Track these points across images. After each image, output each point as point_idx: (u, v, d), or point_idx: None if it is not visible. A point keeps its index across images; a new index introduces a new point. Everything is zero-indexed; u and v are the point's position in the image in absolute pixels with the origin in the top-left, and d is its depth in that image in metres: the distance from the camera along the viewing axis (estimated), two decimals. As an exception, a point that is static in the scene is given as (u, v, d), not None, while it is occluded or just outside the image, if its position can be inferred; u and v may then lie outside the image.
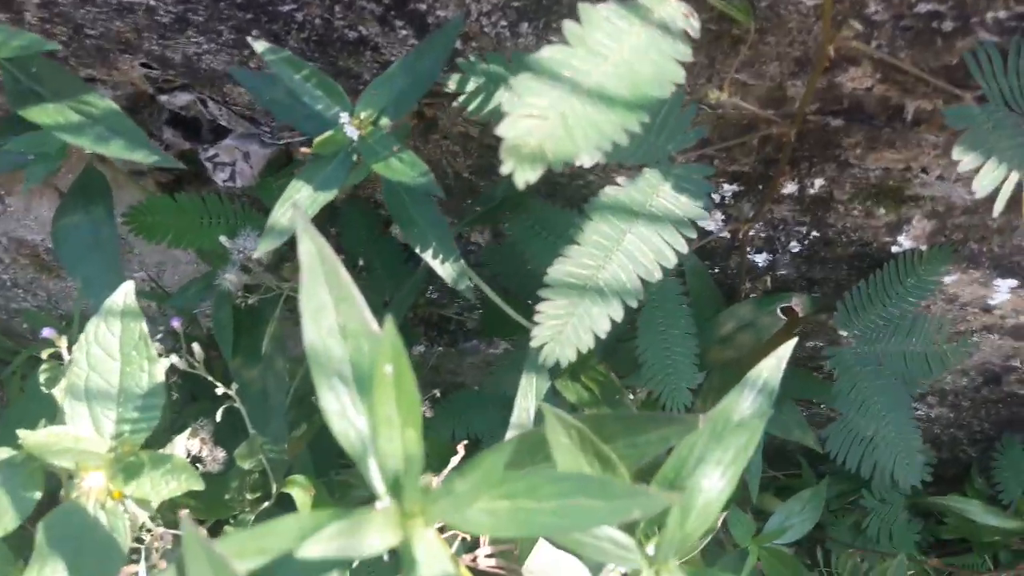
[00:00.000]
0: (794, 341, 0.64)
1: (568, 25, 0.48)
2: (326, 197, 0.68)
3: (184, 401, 1.21)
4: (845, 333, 0.90)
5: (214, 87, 0.87)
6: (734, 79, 0.70)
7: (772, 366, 0.63)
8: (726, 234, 0.90)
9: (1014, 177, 0.58)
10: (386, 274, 1.10)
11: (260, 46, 0.64)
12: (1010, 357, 1.03)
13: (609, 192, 0.65)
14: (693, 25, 0.51)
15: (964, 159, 0.59)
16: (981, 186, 0.59)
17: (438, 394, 1.20)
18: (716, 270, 0.98)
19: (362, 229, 1.05)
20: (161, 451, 0.87)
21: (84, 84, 0.77)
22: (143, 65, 0.86)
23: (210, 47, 0.80)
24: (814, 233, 0.87)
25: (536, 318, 0.64)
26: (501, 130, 0.44)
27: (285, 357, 1.06)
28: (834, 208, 0.83)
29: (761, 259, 0.94)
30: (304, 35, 0.76)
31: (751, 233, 0.89)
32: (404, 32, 0.73)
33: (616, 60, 0.49)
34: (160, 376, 0.78)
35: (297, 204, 0.68)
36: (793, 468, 1.36)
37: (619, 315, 0.65)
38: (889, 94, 0.68)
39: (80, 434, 0.72)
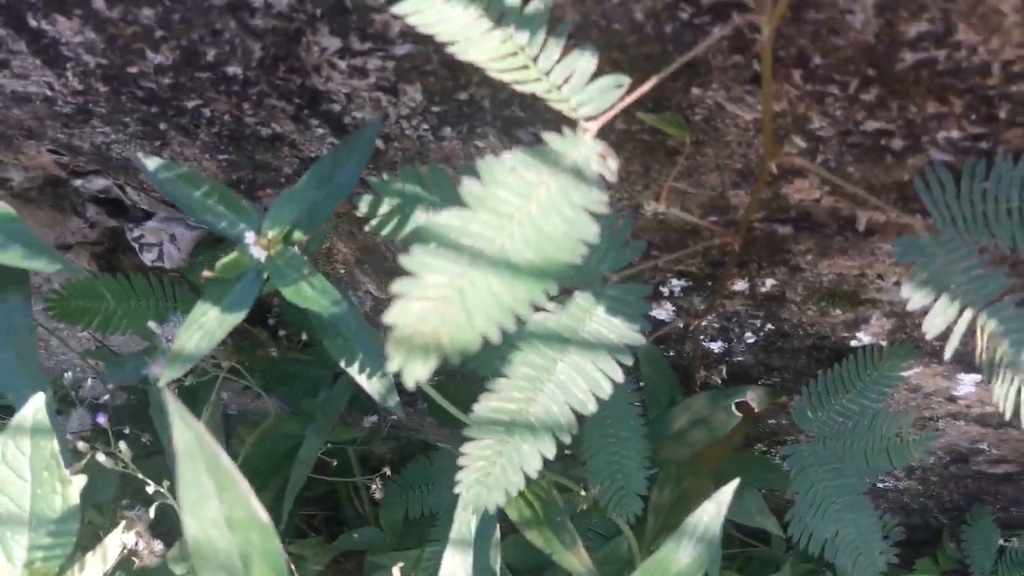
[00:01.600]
0: (736, 483, 0.59)
1: (467, 186, 0.43)
2: (236, 319, 0.63)
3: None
4: (804, 429, 0.85)
5: (129, 174, 0.82)
6: (673, 188, 0.65)
7: (712, 512, 0.58)
8: (679, 324, 0.85)
9: (967, 315, 0.53)
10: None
11: (152, 163, 0.59)
12: (976, 441, 0.98)
13: (538, 319, 0.60)
14: (610, 167, 0.46)
15: (914, 296, 0.54)
16: (932, 325, 0.54)
17: (388, 471, 1.15)
18: (671, 353, 0.94)
19: (304, 303, 1.00)
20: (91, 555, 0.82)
21: (-22, 185, 0.72)
22: (51, 151, 0.80)
23: (118, 137, 0.75)
24: (769, 326, 0.83)
25: (460, 460, 0.59)
26: (391, 317, 0.39)
27: (223, 442, 1.01)
28: (787, 306, 0.78)
29: (717, 346, 0.89)
30: (215, 130, 0.71)
31: (703, 324, 0.84)
32: (321, 131, 0.68)
33: (523, 219, 0.43)
34: (74, 498, 0.73)
35: (204, 328, 0.62)
36: (762, 536, 1.31)
37: (551, 452, 0.60)
38: (839, 205, 0.64)
39: (-10, 562, 0.67)
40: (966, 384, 0.86)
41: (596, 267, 0.61)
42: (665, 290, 0.81)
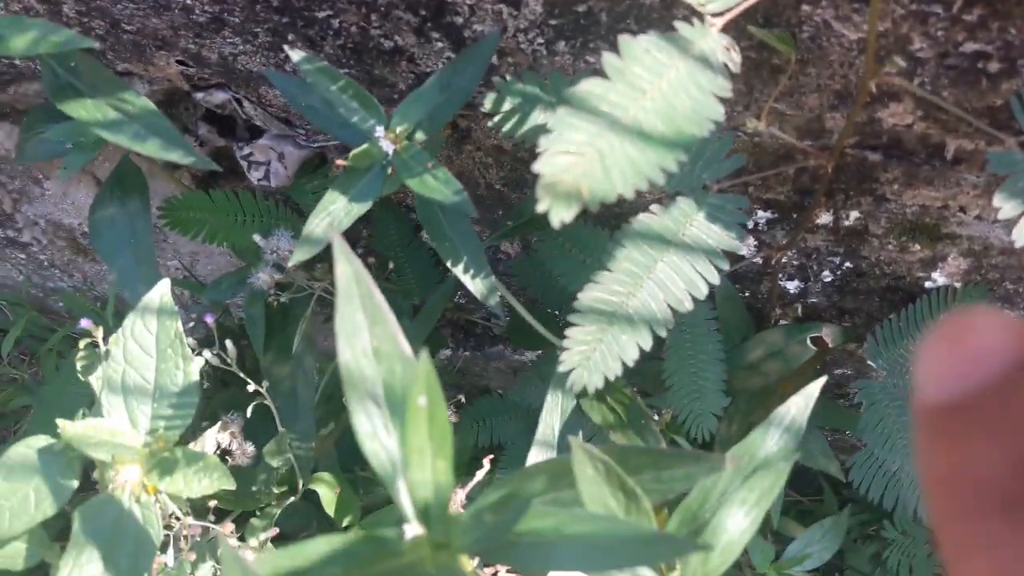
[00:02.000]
0: (823, 379, 0.63)
1: (607, 57, 0.47)
2: (361, 209, 0.68)
3: (215, 387, 1.23)
4: (874, 365, 0.89)
5: (250, 88, 0.88)
6: (772, 108, 0.69)
7: (800, 405, 0.62)
8: (758, 260, 0.89)
9: (1058, 226, 0.57)
10: (416, 278, 1.10)
11: (296, 55, 0.64)
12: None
13: (642, 219, 0.64)
14: (734, 59, 0.51)
15: (1005, 206, 0.57)
16: (1022, 235, 0.57)
17: (463, 399, 1.20)
18: (747, 294, 0.97)
19: (394, 233, 1.05)
20: (193, 445, 0.88)
21: (122, 81, 0.78)
22: (179, 62, 0.87)
23: (246, 48, 0.80)
24: (847, 264, 0.86)
25: (565, 343, 0.64)
26: (538, 166, 0.43)
27: (315, 356, 1.07)
28: (868, 241, 0.81)
29: (792, 286, 0.92)
30: (340, 42, 0.76)
31: (783, 260, 0.88)
32: (440, 44, 0.73)
33: (655, 95, 0.48)
34: (195, 375, 0.79)
35: (332, 215, 0.68)
36: (815, 492, 1.34)
37: (648, 344, 0.64)
38: (930, 132, 0.67)
39: (116, 427, 0.73)
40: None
41: (699, 175, 0.66)
42: (750, 223, 0.85)
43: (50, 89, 0.78)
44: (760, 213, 0.83)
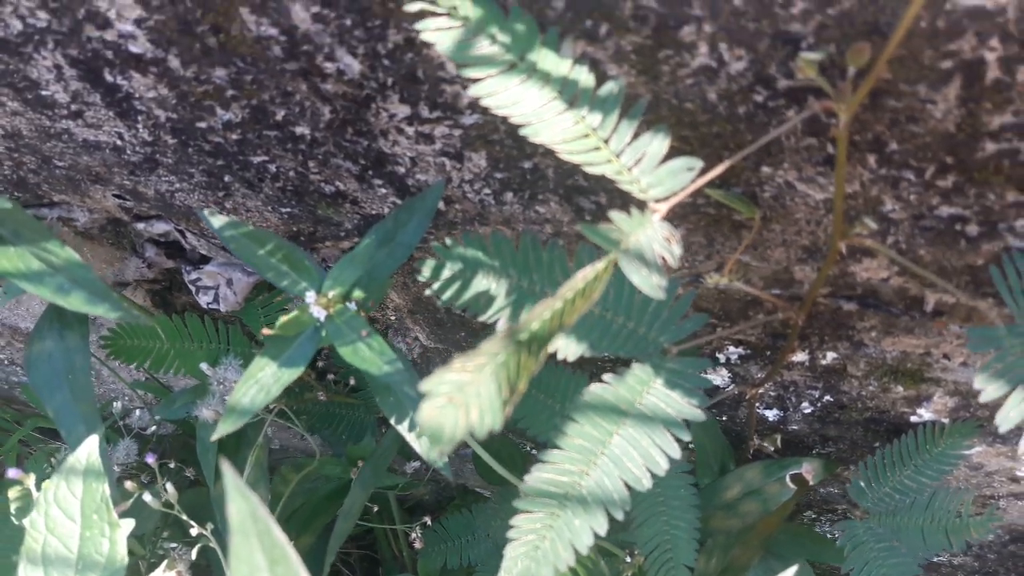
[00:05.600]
0: (793, 570, 0.57)
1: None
2: (291, 375, 0.63)
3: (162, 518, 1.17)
4: (860, 504, 0.83)
5: (190, 221, 0.83)
6: (736, 260, 0.64)
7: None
8: (734, 390, 0.84)
9: (1045, 410, 0.52)
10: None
11: (217, 221, 0.60)
12: (1040, 522, 0.95)
13: (595, 390, 0.59)
14: (674, 252, 0.46)
15: (987, 388, 0.52)
16: (1006, 419, 0.52)
17: (428, 521, 1.14)
18: (724, 418, 0.92)
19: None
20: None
21: (46, 229, 0.73)
22: (116, 195, 0.82)
23: (183, 186, 0.76)
24: (827, 398, 0.81)
25: (510, 533, 0.58)
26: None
27: (267, 486, 1.02)
28: (848, 378, 0.76)
29: (772, 414, 0.87)
30: (279, 184, 0.71)
31: (760, 392, 0.83)
32: (383, 190, 0.68)
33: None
34: (122, 543, 0.73)
35: (261, 383, 0.63)
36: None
37: (603, 528, 0.58)
38: (907, 285, 0.62)
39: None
40: (1031, 465, 0.83)
41: (656, 338, 0.60)
42: (722, 356, 0.80)
43: (-29, 234, 0.74)
44: (732, 349, 0.78)
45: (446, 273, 0.59)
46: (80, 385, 0.88)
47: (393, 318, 0.99)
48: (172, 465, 1.20)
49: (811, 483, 0.84)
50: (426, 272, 0.59)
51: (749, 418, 0.87)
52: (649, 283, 0.45)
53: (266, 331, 0.60)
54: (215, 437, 0.62)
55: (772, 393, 0.83)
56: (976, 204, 0.53)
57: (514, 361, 0.41)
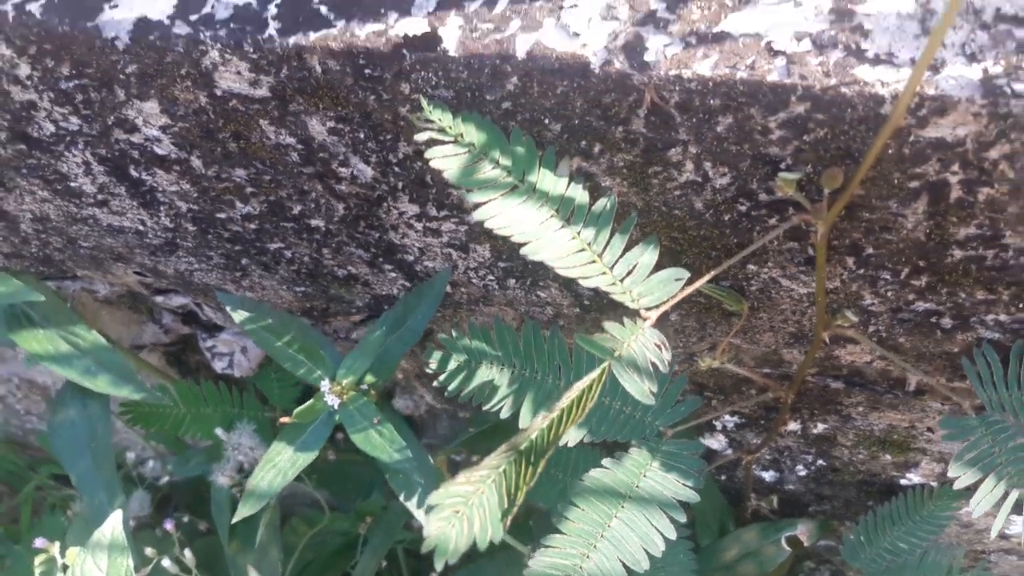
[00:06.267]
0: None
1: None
2: (307, 459, 0.66)
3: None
4: (853, 565, 0.86)
5: (207, 296, 0.87)
6: (729, 343, 0.67)
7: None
8: (731, 456, 0.87)
9: (1013, 495, 0.55)
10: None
11: (238, 316, 0.63)
12: (1031, 577, 0.97)
13: (595, 475, 0.62)
14: (664, 358, 0.49)
15: (961, 476, 0.55)
16: (978, 505, 0.55)
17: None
18: (723, 478, 0.95)
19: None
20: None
21: (73, 314, 0.77)
22: (136, 273, 0.86)
23: (201, 266, 0.80)
24: (820, 462, 0.84)
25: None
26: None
27: (279, 547, 1.04)
28: (839, 446, 0.79)
29: (768, 475, 0.90)
30: (294, 268, 0.75)
31: (756, 457, 0.86)
32: (393, 274, 0.72)
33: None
34: (145, 616, 0.76)
35: (279, 467, 0.66)
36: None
37: (601, 606, 0.61)
38: (890, 368, 0.66)
39: None
40: (1019, 524, 0.86)
41: (652, 422, 0.64)
42: (718, 424, 0.83)
43: (3, 317, 0.78)
44: (728, 418, 0.81)
45: (452, 365, 0.62)
46: (101, 453, 0.92)
47: (400, 377, 1.02)
48: (186, 519, 1.23)
49: (806, 544, 0.86)
50: (433, 364, 0.63)
51: (746, 481, 0.90)
52: (641, 389, 0.49)
53: (283, 420, 0.64)
54: (236, 519, 0.65)
55: (768, 457, 0.87)
56: (948, 301, 0.56)
57: (514, 471, 0.44)
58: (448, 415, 1.05)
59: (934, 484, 0.82)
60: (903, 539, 0.84)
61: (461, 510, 0.42)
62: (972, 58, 0.44)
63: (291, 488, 1.42)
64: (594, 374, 0.48)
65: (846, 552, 0.86)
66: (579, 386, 0.47)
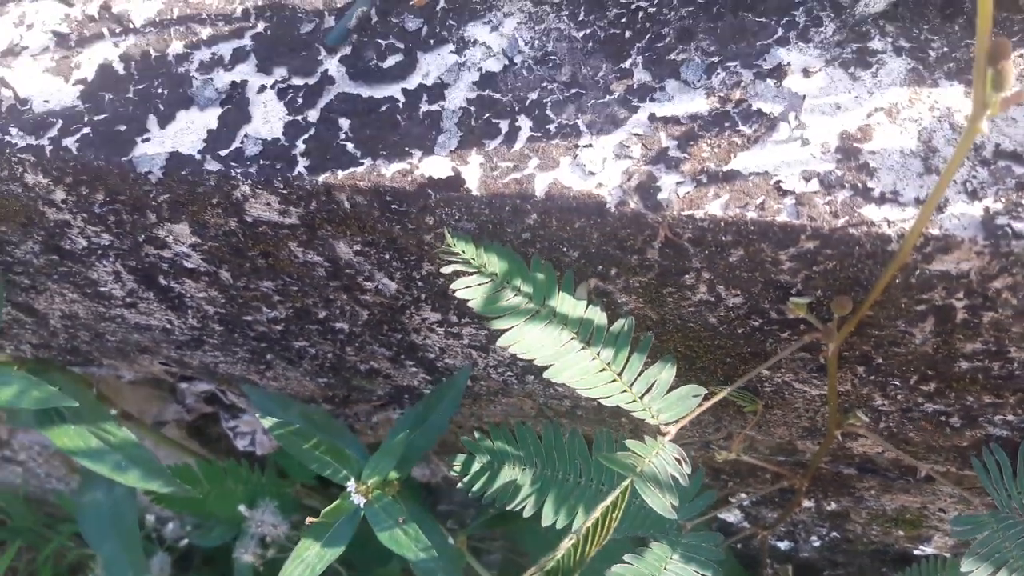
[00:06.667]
0: None
1: None
2: (334, 553, 0.68)
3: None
4: (869, 635, 0.87)
5: (231, 384, 0.89)
6: (744, 435, 0.69)
7: None
8: (747, 529, 0.89)
9: (1027, 591, 0.56)
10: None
11: (267, 422, 0.66)
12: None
13: (617, 571, 0.64)
14: (683, 472, 0.51)
15: (974, 571, 0.57)
16: (994, 597, 0.57)
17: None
18: (739, 545, 0.97)
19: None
20: None
21: (104, 409, 0.79)
22: (162, 363, 0.88)
23: (226, 360, 0.82)
24: (834, 534, 0.86)
25: None
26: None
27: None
28: (852, 522, 0.81)
29: (784, 545, 0.92)
30: (317, 363, 0.77)
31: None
32: (414, 369, 0.74)
33: None
34: None
35: (307, 563, 0.68)
36: None
37: None
38: (901, 458, 0.67)
39: None
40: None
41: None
42: (734, 499, 0.85)
43: (34, 413, 0.80)
44: (743, 495, 0.83)
45: (475, 467, 0.64)
46: (127, 534, 0.94)
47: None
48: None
49: (822, 616, 0.88)
50: (457, 467, 0.65)
51: (762, 550, 0.92)
52: (663, 505, 0.50)
53: (311, 520, 0.66)
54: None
55: (783, 528, 0.88)
56: (957, 403, 0.58)
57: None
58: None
59: (947, 555, 0.84)
60: (918, 610, 0.85)
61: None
62: (974, 195, 0.46)
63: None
64: (616, 493, 0.50)
65: (862, 623, 0.88)
66: (602, 506, 0.49)
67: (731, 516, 0.88)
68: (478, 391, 0.75)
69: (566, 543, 0.48)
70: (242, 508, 0.99)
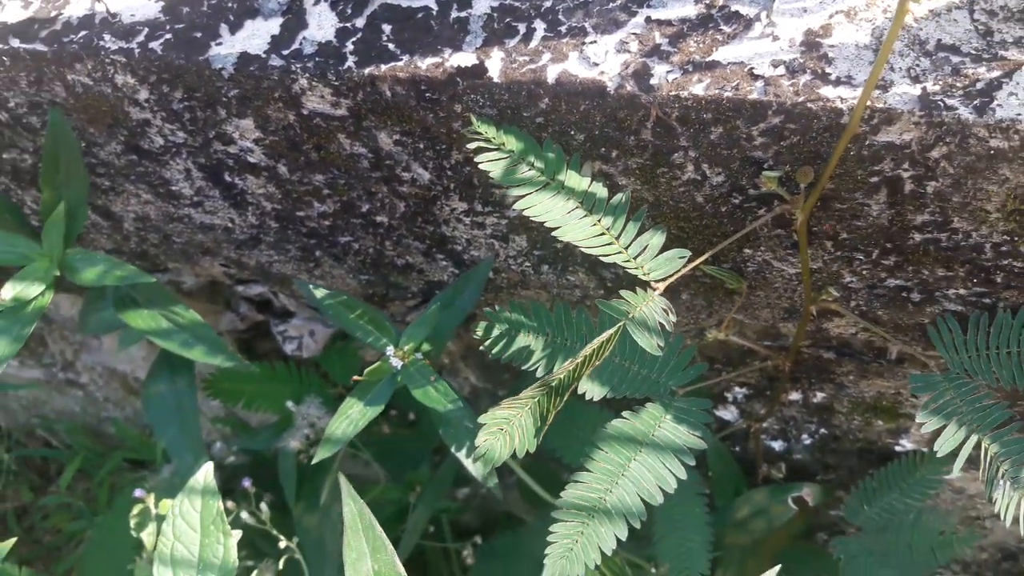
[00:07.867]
0: (776, 569, 0.71)
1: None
2: (374, 411, 0.79)
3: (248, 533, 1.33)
4: (853, 523, 0.96)
5: (283, 285, 1.00)
6: (732, 318, 0.78)
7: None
8: (742, 424, 0.98)
9: (973, 439, 0.65)
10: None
11: (319, 293, 0.76)
12: None
13: (616, 424, 0.74)
14: (670, 320, 0.61)
15: (927, 422, 0.66)
16: (942, 447, 0.66)
17: (479, 540, 1.28)
18: (737, 449, 1.06)
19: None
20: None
21: (172, 295, 0.90)
22: (222, 265, 0.99)
23: (280, 258, 0.93)
24: (822, 430, 0.95)
25: (549, 538, 0.73)
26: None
27: (340, 507, 1.16)
28: (837, 414, 0.90)
29: (777, 445, 1.01)
30: (360, 258, 0.88)
31: (764, 425, 0.97)
32: (444, 263, 0.84)
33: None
34: (233, 549, 0.89)
35: (351, 419, 0.78)
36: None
37: (624, 534, 0.73)
38: (872, 339, 0.76)
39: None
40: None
41: (665, 382, 0.75)
42: (729, 396, 0.94)
43: (112, 299, 0.91)
44: (738, 390, 0.92)
45: (495, 332, 0.74)
46: (188, 420, 1.05)
47: (447, 361, 1.15)
48: (254, 491, 1.36)
49: (811, 504, 0.97)
50: (479, 332, 0.74)
51: (756, 449, 1.01)
52: (651, 344, 0.60)
53: (356, 378, 0.76)
54: (316, 460, 0.78)
55: (776, 427, 0.97)
56: (915, 277, 0.67)
57: (546, 401, 0.56)
58: (489, 395, 1.17)
59: (924, 450, 0.92)
60: (899, 500, 0.94)
61: (504, 427, 0.54)
62: (916, 80, 0.55)
63: (345, 468, 1.55)
64: (611, 330, 0.59)
65: (848, 511, 0.97)
66: (599, 339, 0.59)
67: (727, 414, 0.97)
68: (499, 283, 0.85)
69: (568, 365, 0.58)
70: (289, 403, 1.09)
